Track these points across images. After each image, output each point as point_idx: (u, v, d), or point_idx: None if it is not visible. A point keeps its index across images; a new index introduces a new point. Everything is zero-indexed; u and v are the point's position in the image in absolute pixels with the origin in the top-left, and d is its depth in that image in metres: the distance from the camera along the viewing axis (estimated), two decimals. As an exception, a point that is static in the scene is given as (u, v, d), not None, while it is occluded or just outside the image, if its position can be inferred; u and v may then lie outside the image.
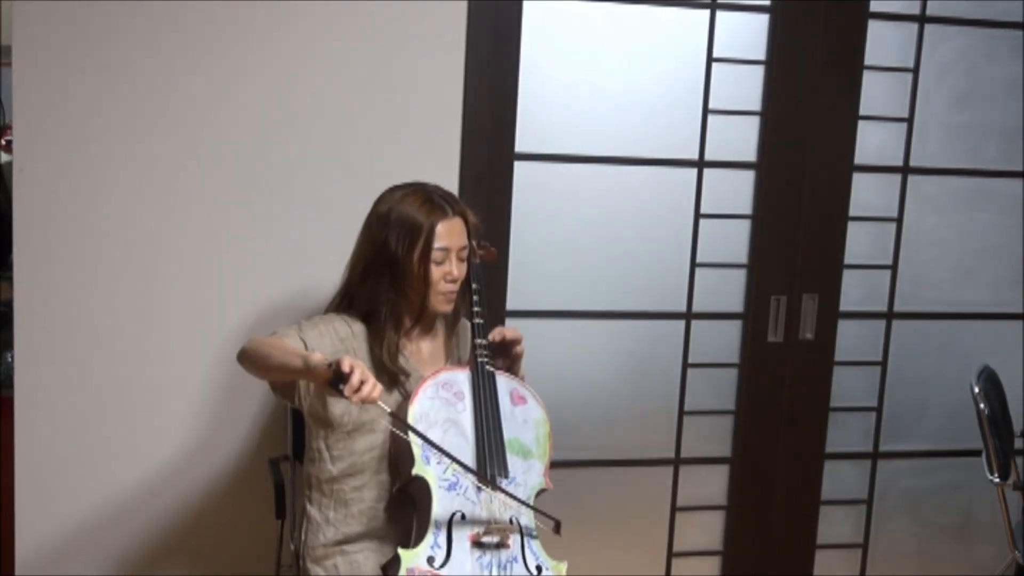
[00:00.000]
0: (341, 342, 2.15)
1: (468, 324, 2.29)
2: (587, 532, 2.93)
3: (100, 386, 2.55)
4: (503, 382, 2.23)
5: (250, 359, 2.07)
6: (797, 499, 3.08)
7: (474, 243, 2.30)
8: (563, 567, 2.11)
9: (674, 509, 3.04)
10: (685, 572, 3.07)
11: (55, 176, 2.45)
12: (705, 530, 3.07)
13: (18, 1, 2.37)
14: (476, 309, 2.25)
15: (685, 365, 2.97)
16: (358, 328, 2.18)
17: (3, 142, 3.21)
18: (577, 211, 2.84)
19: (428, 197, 2.18)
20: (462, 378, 2.18)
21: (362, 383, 1.87)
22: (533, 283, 2.84)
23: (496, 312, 2.78)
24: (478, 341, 2.22)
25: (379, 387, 1.91)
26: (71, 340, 2.52)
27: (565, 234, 2.84)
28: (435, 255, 2.14)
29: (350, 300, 2.22)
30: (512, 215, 2.77)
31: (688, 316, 2.95)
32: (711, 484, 3.05)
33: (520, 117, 2.74)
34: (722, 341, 2.99)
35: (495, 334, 2.27)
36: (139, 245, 2.52)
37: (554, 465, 2.88)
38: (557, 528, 2.09)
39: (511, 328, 2.31)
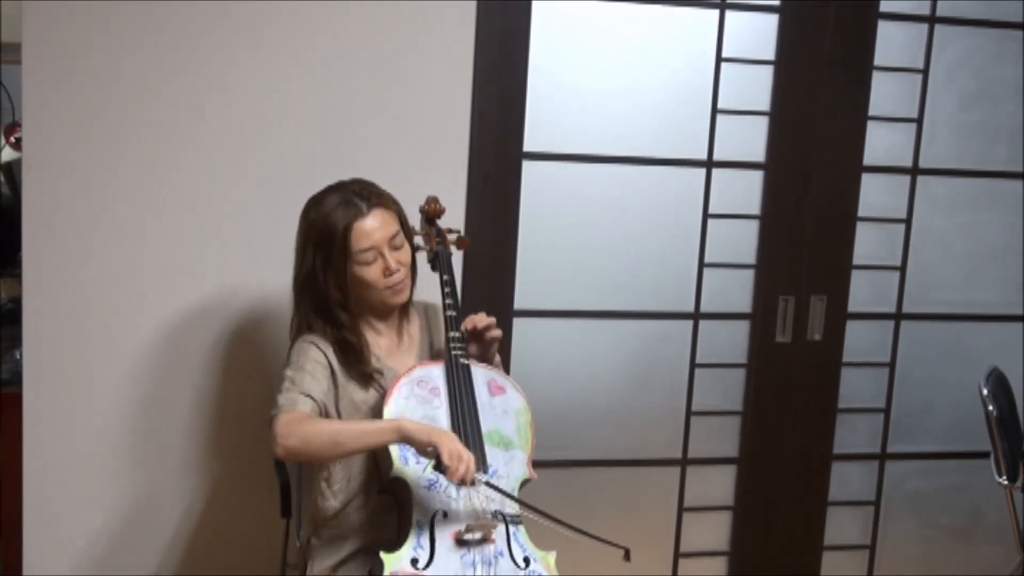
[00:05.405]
0: (326, 369, 2.11)
1: (440, 309, 2.24)
2: (593, 531, 2.93)
3: (108, 383, 2.55)
4: (480, 373, 2.18)
5: (312, 452, 1.99)
6: (804, 500, 3.07)
7: (443, 231, 2.26)
8: (551, 558, 2.08)
9: (681, 509, 3.03)
10: (692, 572, 3.06)
11: (64, 174, 2.46)
12: (712, 530, 3.07)
13: (28, 0, 2.37)
14: (448, 301, 2.20)
15: (693, 365, 2.97)
16: (326, 347, 2.13)
17: (13, 140, 3.22)
18: (585, 211, 2.84)
19: (340, 200, 2.09)
20: (437, 373, 2.14)
21: (459, 465, 1.91)
22: (541, 282, 2.84)
23: (504, 312, 2.78)
24: (451, 334, 2.16)
25: (473, 464, 1.94)
26: (80, 337, 2.52)
27: (573, 234, 2.84)
28: (362, 257, 2.08)
29: (305, 315, 2.16)
30: (520, 214, 2.77)
31: (696, 316, 2.95)
32: (718, 484, 3.05)
33: (528, 116, 2.74)
34: (730, 341, 2.98)
35: (467, 323, 2.22)
36: (148, 243, 2.53)
37: (561, 464, 2.90)
38: (627, 555, 2.05)
39: (481, 315, 2.25)
